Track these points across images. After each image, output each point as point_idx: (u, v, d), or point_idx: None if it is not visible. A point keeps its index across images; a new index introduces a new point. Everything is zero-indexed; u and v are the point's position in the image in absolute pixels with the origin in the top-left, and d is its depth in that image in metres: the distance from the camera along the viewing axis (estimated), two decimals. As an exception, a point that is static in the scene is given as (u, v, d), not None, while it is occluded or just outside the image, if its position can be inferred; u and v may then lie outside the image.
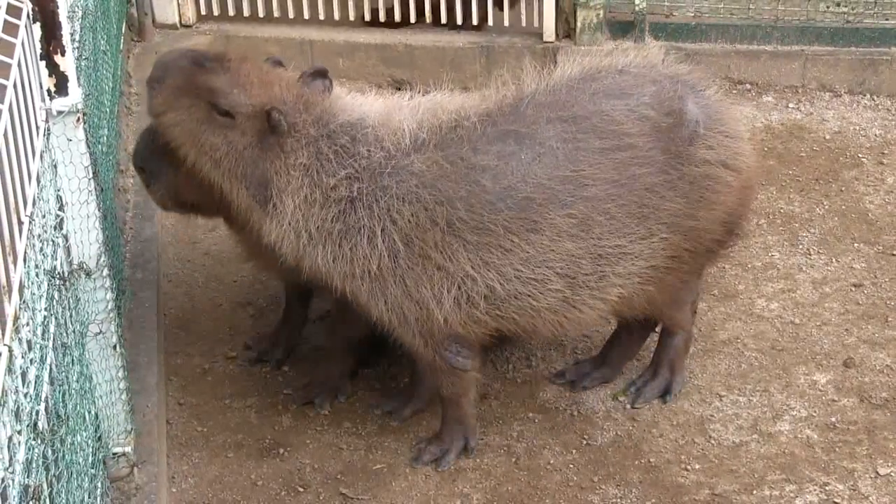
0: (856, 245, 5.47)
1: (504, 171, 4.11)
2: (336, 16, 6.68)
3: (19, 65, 3.20)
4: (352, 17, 6.68)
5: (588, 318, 4.33)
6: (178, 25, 6.72)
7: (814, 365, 4.88)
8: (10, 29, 3.19)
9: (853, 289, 5.24)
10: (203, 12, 6.80)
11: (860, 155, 6.03)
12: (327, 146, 4.14)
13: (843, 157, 6.02)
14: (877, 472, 4.41)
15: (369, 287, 4.20)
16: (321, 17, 6.69)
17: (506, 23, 6.61)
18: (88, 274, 3.85)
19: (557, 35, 6.56)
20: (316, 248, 4.18)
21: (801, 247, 5.48)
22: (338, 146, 4.15)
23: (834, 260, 5.40)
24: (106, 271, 3.92)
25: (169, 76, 4.19)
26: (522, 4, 6.55)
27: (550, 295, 4.19)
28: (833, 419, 4.63)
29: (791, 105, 6.41)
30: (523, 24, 6.60)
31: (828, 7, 6.47)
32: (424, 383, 4.64)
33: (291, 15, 6.70)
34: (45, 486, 2.92)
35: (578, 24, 6.49)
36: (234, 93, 4.13)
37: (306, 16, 6.68)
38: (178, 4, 6.69)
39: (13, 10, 3.27)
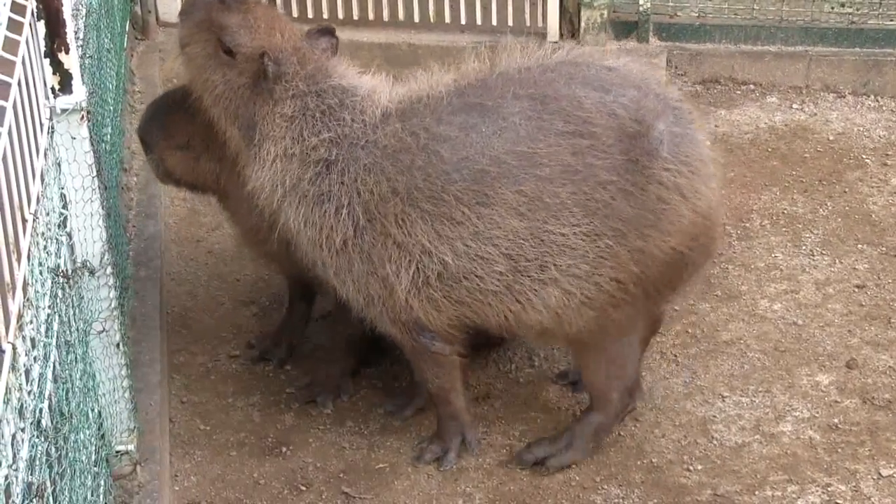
0: (859, 246, 5.47)
1: (463, 142, 4.10)
2: (340, 14, 6.68)
3: (23, 62, 3.20)
4: (356, 17, 6.68)
5: (529, 319, 4.19)
6: (183, 24, 6.70)
7: (816, 366, 4.88)
8: (15, 26, 3.19)
9: (856, 290, 5.23)
10: (207, 11, 6.79)
11: (864, 156, 6.02)
12: (314, 104, 4.20)
13: (846, 158, 6.02)
14: (879, 474, 4.40)
15: (336, 262, 4.22)
16: (325, 15, 6.69)
17: (510, 23, 6.61)
18: (92, 272, 3.86)
19: (562, 35, 6.56)
20: (291, 206, 4.24)
21: (804, 248, 5.48)
22: (325, 106, 4.21)
23: (837, 261, 5.39)
24: (109, 269, 3.93)
25: (194, 10, 4.36)
26: (526, 4, 6.55)
27: (495, 277, 4.14)
28: (835, 420, 4.63)
29: (795, 106, 6.41)
30: (527, 23, 6.59)
31: (832, 8, 6.47)
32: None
33: (295, 14, 6.70)
34: (48, 483, 2.92)
35: (583, 24, 6.49)
36: (239, 32, 4.25)
37: (310, 15, 6.68)
38: (182, 2, 6.68)
39: (17, 8, 3.27)
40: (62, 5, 3.48)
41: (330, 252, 4.22)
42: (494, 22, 6.62)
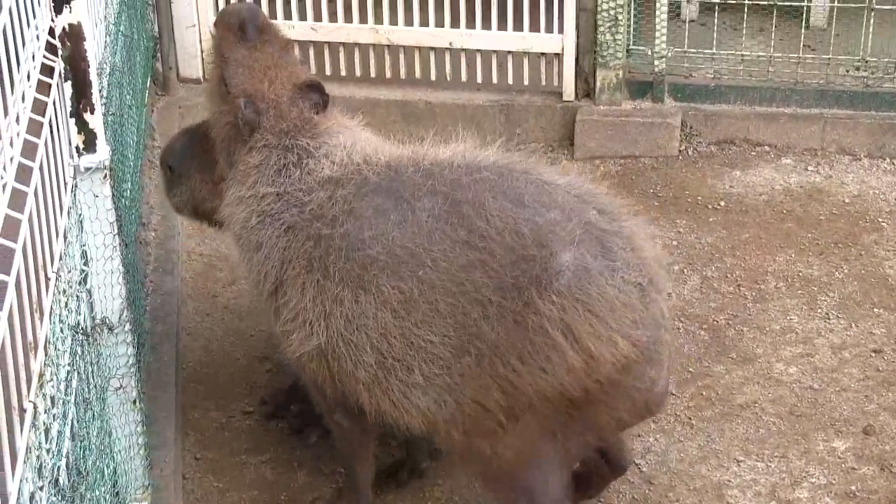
0: (875, 310, 5.45)
1: (370, 224, 3.97)
2: (357, 72, 6.75)
3: (49, 123, 3.24)
4: (373, 74, 6.75)
5: (404, 422, 3.99)
6: (202, 80, 6.77)
7: (833, 431, 4.84)
8: (43, 87, 3.23)
9: (873, 354, 5.21)
10: (226, 67, 6.87)
11: (880, 219, 6.03)
12: (276, 158, 4.19)
13: (862, 220, 6.02)
14: (898, 543, 4.37)
15: (266, 308, 4.24)
16: (343, 72, 6.76)
17: (525, 82, 6.67)
18: (111, 329, 3.86)
19: (577, 94, 6.61)
20: (238, 246, 4.28)
21: (820, 311, 5.46)
22: (285, 162, 4.18)
23: (853, 325, 5.38)
24: (128, 326, 3.94)
25: (219, 27, 4.40)
26: (542, 63, 6.62)
27: (363, 367, 3.97)
28: (853, 487, 4.59)
29: (810, 168, 6.43)
30: (543, 83, 6.65)
31: (847, 71, 6.52)
32: (415, 445, 4.60)
33: (313, 70, 6.76)
34: (63, 544, 2.91)
35: (598, 84, 6.54)
36: (237, 71, 4.25)
37: (328, 72, 6.75)
38: (203, 59, 6.76)
39: (44, 69, 3.32)
40: (90, 66, 3.53)
41: (262, 297, 4.24)
42: (510, 81, 6.68)
